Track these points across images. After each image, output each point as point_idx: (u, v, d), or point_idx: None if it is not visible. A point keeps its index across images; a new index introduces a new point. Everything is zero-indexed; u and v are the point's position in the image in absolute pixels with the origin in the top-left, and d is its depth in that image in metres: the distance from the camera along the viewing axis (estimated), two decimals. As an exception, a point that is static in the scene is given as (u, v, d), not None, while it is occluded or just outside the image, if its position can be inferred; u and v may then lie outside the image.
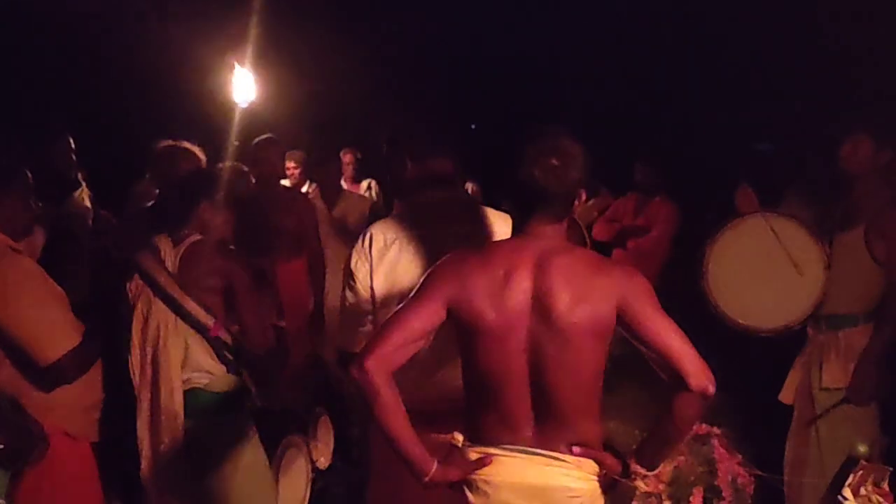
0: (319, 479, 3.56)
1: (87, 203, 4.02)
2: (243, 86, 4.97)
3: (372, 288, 2.29)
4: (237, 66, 4.88)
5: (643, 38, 5.75)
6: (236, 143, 4.85)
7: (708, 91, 5.39)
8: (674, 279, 4.72)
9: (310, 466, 3.46)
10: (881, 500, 2.56)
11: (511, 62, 6.30)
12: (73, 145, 4.07)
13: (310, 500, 3.49)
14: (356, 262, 2.32)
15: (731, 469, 3.04)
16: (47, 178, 3.76)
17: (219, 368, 2.77)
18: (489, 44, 6.21)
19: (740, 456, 3.10)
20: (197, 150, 3.73)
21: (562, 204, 1.88)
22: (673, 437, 1.89)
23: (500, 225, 2.27)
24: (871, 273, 3.16)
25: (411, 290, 1.94)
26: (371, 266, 2.29)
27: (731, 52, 5.35)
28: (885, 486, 2.59)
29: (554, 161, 1.83)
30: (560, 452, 1.86)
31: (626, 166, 5.38)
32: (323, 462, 3.60)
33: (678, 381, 1.77)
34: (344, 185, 5.73)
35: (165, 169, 3.63)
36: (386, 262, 2.28)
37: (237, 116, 4.91)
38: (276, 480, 3.15)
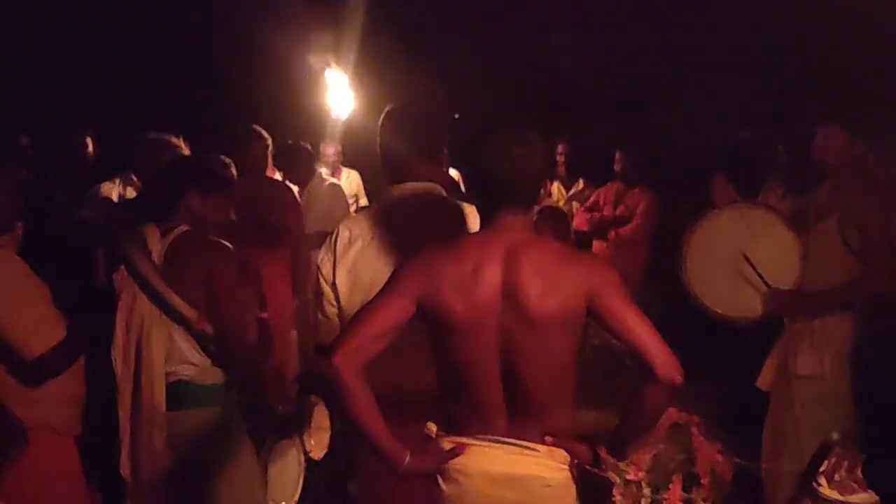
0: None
1: (115, 197, 4.02)
2: (341, 95, 4.95)
3: (335, 283, 2.31)
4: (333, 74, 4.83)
5: (622, 28, 5.75)
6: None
7: (688, 80, 5.41)
8: (654, 269, 4.76)
9: (302, 458, 3.44)
10: (855, 486, 2.59)
11: (492, 52, 6.30)
12: (88, 141, 4.08)
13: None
14: (322, 258, 2.35)
15: (710, 457, 3.06)
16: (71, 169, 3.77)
17: (204, 361, 2.77)
18: (469, 33, 6.21)
19: (719, 444, 3.14)
20: (181, 142, 3.73)
21: (528, 194, 1.90)
22: (642, 427, 1.92)
23: (472, 218, 2.28)
24: (846, 262, 3.20)
25: (372, 285, 1.95)
26: (335, 261, 2.32)
27: (710, 41, 5.37)
28: (859, 472, 2.62)
29: (517, 151, 1.85)
30: (532, 442, 1.89)
31: (607, 156, 5.41)
32: (318, 452, 3.57)
33: (646, 371, 1.79)
34: (324, 175, 5.77)
35: (148, 160, 3.64)
36: (349, 257, 2.31)
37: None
38: (265, 473, 3.15)
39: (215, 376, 2.80)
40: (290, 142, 5.31)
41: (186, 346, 2.75)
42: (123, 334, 2.73)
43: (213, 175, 2.93)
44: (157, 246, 2.74)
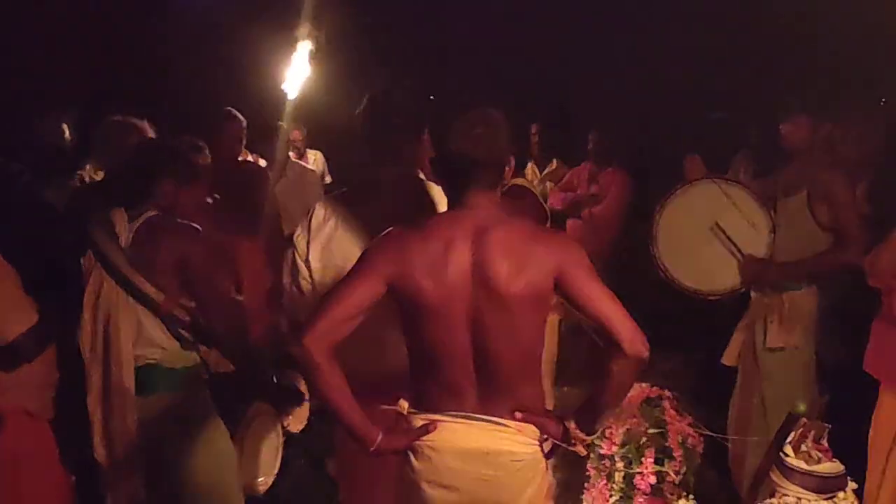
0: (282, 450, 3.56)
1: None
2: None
3: (308, 259, 2.34)
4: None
5: (595, 8, 5.76)
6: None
7: (662, 60, 5.44)
8: (626, 246, 4.81)
9: (280, 431, 3.44)
10: (821, 455, 2.66)
11: (467, 32, 6.29)
12: (64, 126, 4.04)
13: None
14: (298, 236, 2.38)
15: (682, 430, 3.11)
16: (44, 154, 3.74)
17: (172, 344, 2.76)
18: (447, 14, 6.20)
19: (690, 417, 3.19)
20: (146, 125, 3.69)
21: (492, 173, 1.91)
22: (610, 401, 1.94)
23: (439, 198, 2.30)
24: (814, 237, 3.25)
25: (344, 264, 1.96)
26: (309, 239, 2.34)
27: (683, 23, 5.39)
28: (825, 442, 2.69)
29: (479, 130, 1.87)
30: (502, 418, 1.92)
31: (580, 136, 5.43)
32: (296, 426, 3.57)
33: (614, 346, 1.82)
34: (292, 157, 5.75)
35: (113, 143, 3.60)
36: (321, 236, 2.33)
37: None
38: (242, 450, 3.16)
39: (185, 359, 2.80)
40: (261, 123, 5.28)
41: (155, 330, 2.74)
42: (91, 318, 2.71)
43: (187, 159, 2.92)
44: (124, 230, 2.72)
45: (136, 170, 2.87)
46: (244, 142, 4.79)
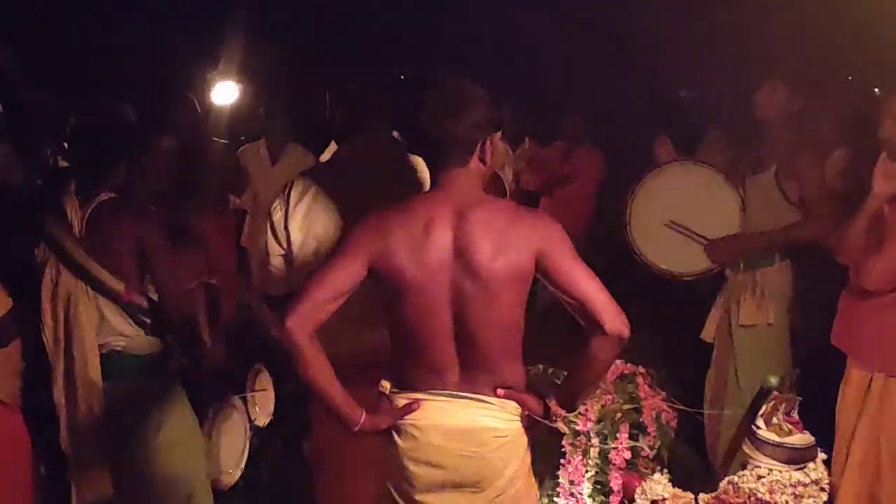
0: (255, 436, 3.55)
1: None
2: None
3: (287, 231, 2.32)
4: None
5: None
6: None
7: (630, 39, 5.44)
8: (600, 227, 4.84)
9: (247, 425, 3.42)
10: (792, 427, 2.71)
11: (438, 9, 6.25)
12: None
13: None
14: (275, 207, 2.36)
15: (656, 406, 3.16)
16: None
17: (136, 331, 2.72)
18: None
19: (663, 393, 3.23)
20: (129, 108, 3.62)
21: (463, 148, 1.89)
22: (591, 379, 1.96)
23: (422, 168, 2.29)
24: (784, 213, 3.30)
25: (326, 233, 1.97)
26: (287, 211, 2.33)
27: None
28: (796, 414, 2.74)
29: (448, 106, 1.86)
30: (485, 395, 1.93)
31: (553, 115, 5.44)
32: (262, 419, 3.57)
33: (594, 325, 1.82)
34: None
35: (90, 128, 3.53)
36: (301, 208, 2.32)
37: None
38: (210, 442, 3.13)
39: (150, 345, 2.75)
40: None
41: (116, 319, 2.69)
42: (51, 309, 2.65)
43: (144, 138, 2.86)
44: (76, 216, 2.64)
45: (99, 151, 2.77)
46: (204, 121, 4.74)
